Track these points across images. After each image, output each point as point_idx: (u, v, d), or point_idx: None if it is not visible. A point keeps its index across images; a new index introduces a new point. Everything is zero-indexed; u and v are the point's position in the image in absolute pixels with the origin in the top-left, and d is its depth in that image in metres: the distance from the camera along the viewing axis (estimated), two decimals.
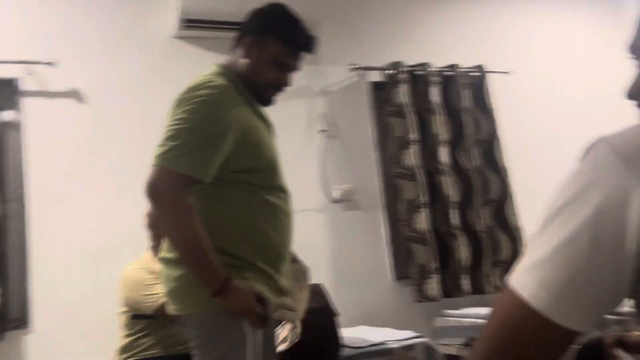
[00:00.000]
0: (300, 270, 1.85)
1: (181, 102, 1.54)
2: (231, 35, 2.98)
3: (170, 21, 3.00)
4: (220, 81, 1.58)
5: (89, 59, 2.87)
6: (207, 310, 1.50)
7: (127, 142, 2.85)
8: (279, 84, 1.67)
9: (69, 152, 2.76)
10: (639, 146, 0.57)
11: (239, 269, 1.54)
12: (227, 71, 1.65)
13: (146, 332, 2.33)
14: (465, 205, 3.30)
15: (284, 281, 1.64)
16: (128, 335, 2.35)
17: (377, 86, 3.37)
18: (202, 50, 3.05)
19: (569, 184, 0.62)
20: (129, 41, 2.97)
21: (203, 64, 3.02)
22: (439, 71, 3.41)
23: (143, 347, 2.32)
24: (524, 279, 0.62)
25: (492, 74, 3.55)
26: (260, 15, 1.68)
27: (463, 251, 3.20)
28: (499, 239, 3.33)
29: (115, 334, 2.41)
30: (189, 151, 1.48)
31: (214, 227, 1.53)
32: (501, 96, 3.55)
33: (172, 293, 1.56)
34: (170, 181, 1.47)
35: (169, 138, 1.50)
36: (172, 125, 1.52)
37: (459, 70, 3.42)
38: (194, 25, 2.94)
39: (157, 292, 2.26)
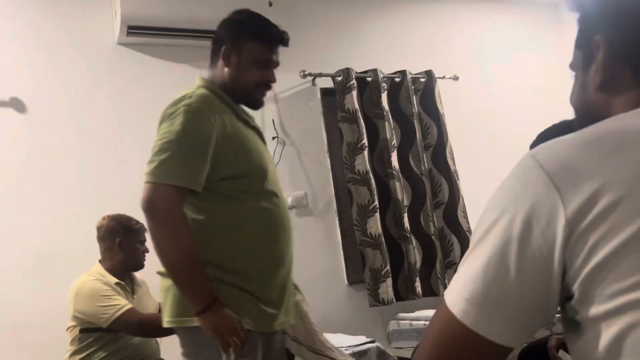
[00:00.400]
0: (297, 300, 1.84)
1: (164, 117, 1.57)
2: (178, 41, 3.00)
3: (114, 28, 2.92)
4: (200, 92, 1.62)
5: (29, 67, 2.77)
6: (192, 323, 1.52)
7: (70, 152, 2.76)
8: (265, 82, 1.70)
9: (7, 163, 2.64)
10: (562, 162, 0.58)
11: (224, 283, 1.54)
12: (209, 84, 1.67)
13: (97, 346, 2.24)
14: (416, 208, 3.35)
15: (277, 291, 1.62)
16: (77, 352, 2.25)
17: (327, 92, 3.38)
18: (148, 57, 3.00)
19: (497, 200, 0.63)
20: (71, 48, 2.87)
21: (149, 71, 3.01)
22: (389, 77, 3.46)
23: None
24: (456, 296, 0.62)
25: (441, 80, 3.61)
26: (230, 23, 1.72)
27: (415, 254, 3.24)
28: (450, 241, 3.39)
29: (61, 354, 2.31)
30: (178, 163, 1.51)
31: (200, 238, 1.54)
32: (450, 101, 3.62)
33: (163, 304, 1.61)
34: (166, 196, 1.49)
35: (156, 153, 1.53)
36: (158, 140, 1.54)
37: (408, 76, 3.47)
38: (138, 32, 2.88)
39: (114, 304, 2.20)
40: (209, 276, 1.51)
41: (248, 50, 1.66)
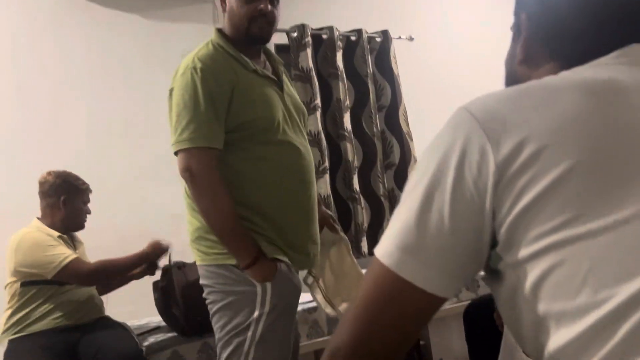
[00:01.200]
0: (330, 240, 1.89)
1: (175, 82, 1.63)
2: None
3: None
4: (205, 51, 1.65)
5: None
6: (214, 262, 1.63)
7: (9, 106, 2.63)
8: (257, 13, 1.69)
9: None
10: (492, 112, 0.60)
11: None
12: (218, 37, 1.70)
13: (40, 300, 2.19)
14: (367, 170, 3.36)
15: (289, 235, 1.69)
16: (19, 308, 2.19)
17: (281, 49, 3.30)
18: (92, 5, 2.85)
19: (430, 150, 0.63)
20: None
21: (93, 21, 2.85)
22: (345, 36, 3.40)
23: (36, 317, 2.17)
24: (389, 247, 0.62)
25: (396, 40, 3.58)
26: None
27: (363, 214, 3.26)
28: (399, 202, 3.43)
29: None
30: (197, 126, 1.58)
31: None
32: (405, 62, 3.61)
33: (191, 243, 1.70)
34: (199, 160, 1.57)
35: (176, 122, 1.60)
36: (175, 107, 1.61)
37: (364, 35, 3.42)
38: None
39: (60, 253, 2.15)
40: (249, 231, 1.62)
41: None
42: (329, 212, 2.05)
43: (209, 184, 1.58)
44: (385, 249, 0.62)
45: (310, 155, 1.78)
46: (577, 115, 0.57)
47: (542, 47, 0.69)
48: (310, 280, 1.92)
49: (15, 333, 2.17)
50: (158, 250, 2.30)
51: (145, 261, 2.30)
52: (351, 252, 1.97)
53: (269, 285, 1.60)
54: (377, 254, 0.63)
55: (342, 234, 1.97)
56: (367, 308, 0.63)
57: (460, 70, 3.89)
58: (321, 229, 1.90)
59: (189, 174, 1.59)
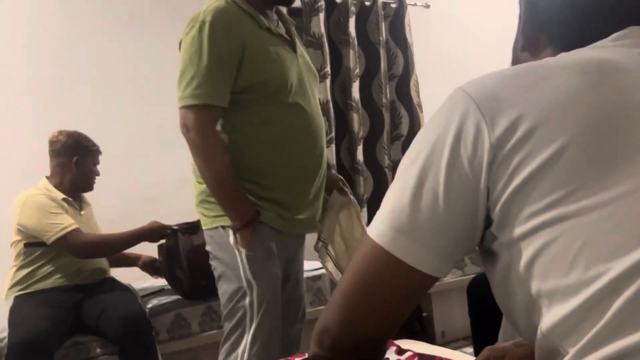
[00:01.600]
0: (339, 202, 1.88)
1: (182, 37, 1.60)
2: None
3: None
4: (216, 5, 1.60)
5: None
6: (212, 225, 1.64)
7: (18, 65, 2.60)
8: None
9: None
10: (488, 91, 0.60)
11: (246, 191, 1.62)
12: None
13: (43, 261, 2.21)
14: (373, 140, 3.30)
15: (296, 198, 1.68)
16: (23, 267, 2.22)
17: (293, 12, 3.23)
18: None
19: (425, 129, 0.63)
20: None
21: None
22: (359, 1, 3.31)
23: (41, 275, 2.20)
24: (383, 226, 0.62)
25: (411, 7, 3.50)
26: None
27: (364, 186, 3.22)
28: None
29: (6, 269, 2.26)
30: (200, 82, 1.53)
31: None
32: (420, 30, 3.53)
33: (196, 207, 1.70)
34: (196, 118, 1.54)
35: (180, 78, 1.56)
36: (180, 64, 1.57)
37: (379, 0, 3.33)
38: None
39: (59, 223, 2.15)
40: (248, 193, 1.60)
41: None
42: (339, 175, 2.03)
43: (204, 142, 1.55)
44: (379, 228, 0.62)
45: (321, 119, 1.74)
46: (571, 94, 0.57)
47: (542, 32, 0.69)
48: (319, 245, 1.90)
49: (20, 290, 2.20)
50: (158, 228, 2.29)
51: (143, 239, 2.29)
52: (360, 216, 1.95)
53: (244, 253, 1.59)
54: (370, 233, 0.63)
55: (351, 196, 1.95)
56: (358, 287, 0.63)
57: (476, 41, 3.80)
58: (330, 192, 1.88)
59: (185, 130, 1.57)
